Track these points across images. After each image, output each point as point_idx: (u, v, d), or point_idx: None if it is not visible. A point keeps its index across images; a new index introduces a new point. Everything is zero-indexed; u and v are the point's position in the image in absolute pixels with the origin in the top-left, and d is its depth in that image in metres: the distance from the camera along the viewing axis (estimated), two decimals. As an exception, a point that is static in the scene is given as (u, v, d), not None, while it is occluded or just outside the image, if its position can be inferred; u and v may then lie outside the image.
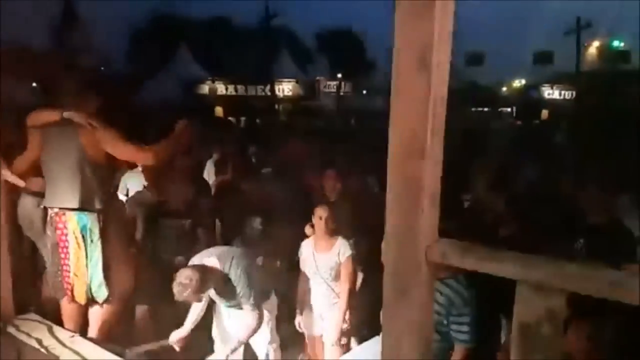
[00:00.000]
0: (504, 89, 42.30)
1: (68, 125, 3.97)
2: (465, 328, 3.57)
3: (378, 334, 3.96)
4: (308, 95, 35.64)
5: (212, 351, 4.77)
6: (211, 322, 4.81)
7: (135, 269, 4.76)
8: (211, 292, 4.40)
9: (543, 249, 3.20)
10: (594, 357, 2.47)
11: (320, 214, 4.63)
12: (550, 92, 37.64)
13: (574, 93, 35.03)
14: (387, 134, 1.88)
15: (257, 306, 4.46)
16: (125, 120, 4.28)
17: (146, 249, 5.36)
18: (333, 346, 4.64)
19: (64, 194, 4.02)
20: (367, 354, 3.80)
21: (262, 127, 21.53)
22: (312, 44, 47.98)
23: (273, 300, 4.82)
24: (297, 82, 35.50)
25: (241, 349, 4.66)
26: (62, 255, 4.05)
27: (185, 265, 4.47)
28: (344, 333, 4.63)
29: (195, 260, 4.48)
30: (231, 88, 33.63)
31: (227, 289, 4.41)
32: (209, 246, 4.91)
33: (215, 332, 4.79)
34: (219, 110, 30.53)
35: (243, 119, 26.78)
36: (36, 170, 4.30)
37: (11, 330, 4.06)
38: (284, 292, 5.01)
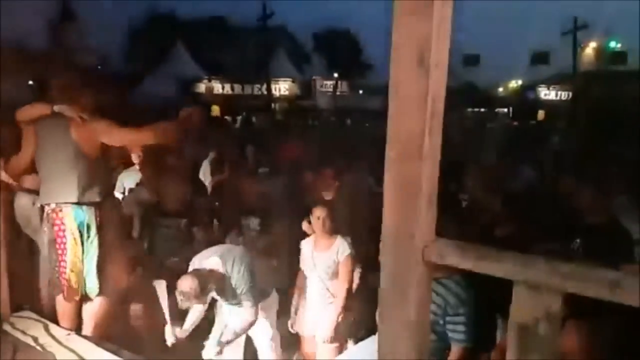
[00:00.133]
0: (501, 89, 42.33)
1: (60, 120, 3.96)
2: (461, 328, 3.57)
3: (374, 334, 3.97)
4: (304, 95, 35.66)
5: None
6: (212, 320, 4.81)
7: (131, 266, 4.78)
8: (213, 293, 4.41)
9: (539, 249, 3.20)
10: (591, 357, 2.47)
11: (318, 214, 4.63)
12: (547, 93, 37.73)
13: (571, 94, 35.11)
14: (384, 133, 1.88)
15: (256, 303, 4.49)
16: (120, 118, 4.24)
17: (142, 247, 5.36)
18: (326, 345, 4.63)
19: (60, 189, 4.01)
20: (364, 354, 3.80)
21: (259, 126, 21.53)
22: (309, 43, 47.95)
23: (274, 297, 4.85)
24: (293, 81, 35.53)
25: (242, 347, 4.67)
26: (60, 252, 4.04)
27: (182, 266, 4.48)
28: (338, 332, 4.62)
29: (196, 261, 4.48)
30: (227, 87, 33.65)
31: (228, 289, 4.43)
32: (206, 245, 4.91)
33: (216, 329, 4.79)
34: (215, 109, 30.53)
35: (239, 118, 26.77)
36: (33, 167, 4.30)
37: (7, 327, 4.06)
38: (285, 289, 5.01)
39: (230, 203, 6.29)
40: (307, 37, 46.44)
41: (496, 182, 6.14)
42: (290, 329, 4.92)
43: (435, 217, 1.95)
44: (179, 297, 4.13)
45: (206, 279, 4.23)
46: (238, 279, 4.37)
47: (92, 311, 4.23)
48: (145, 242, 5.38)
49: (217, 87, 33.27)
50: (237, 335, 4.58)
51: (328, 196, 5.52)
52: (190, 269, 4.38)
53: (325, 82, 37.76)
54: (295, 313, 4.89)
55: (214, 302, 4.70)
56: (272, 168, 7.14)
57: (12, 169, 4.38)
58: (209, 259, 4.41)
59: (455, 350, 3.61)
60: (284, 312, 4.95)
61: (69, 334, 4.05)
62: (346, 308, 4.60)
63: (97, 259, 4.07)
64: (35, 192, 4.32)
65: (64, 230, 4.02)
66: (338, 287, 4.62)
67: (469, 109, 34.84)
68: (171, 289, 4.38)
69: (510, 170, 7.83)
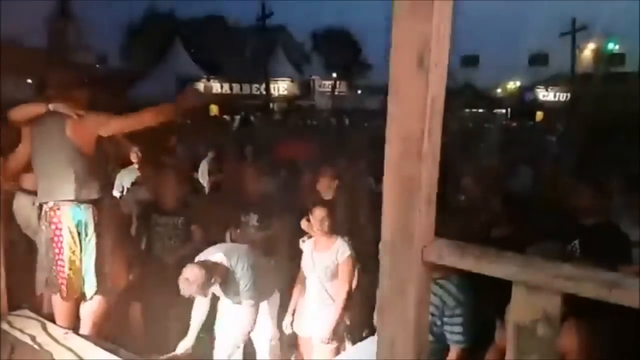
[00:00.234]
0: (499, 90, 42.39)
1: (55, 118, 3.95)
2: (458, 329, 3.57)
3: (372, 335, 3.97)
4: (303, 95, 35.69)
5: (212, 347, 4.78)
6: (213, 320, 4.81)
7: (130, 265, 4.78)
8: (216, 288, 4.42)
9: (538, 249, 3.21)
10: (589, 357, 2.47)
11: (317, 214, 4.62)
12: (545, 94, 37.78)
13: (569, 95, 35.14)
14: (383, 133, 1.88)
15: (257, 302, 4.51)
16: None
17: (141, 245, 5.36)
18: (325, 346, 4.63)
19: (57, 187, 4.00)
20: (362, 355, 3.80)
21: (257, 126, 21.54)
22: (308, 43, 48.00)
23: (276, 296, 4.86)
24: (292, 81, 35.55)
25: (241, 347, 4.67)
26: (57, 251, 4.03)
27: (181, 264, 4.48)
28: (337, 334, 4.62)
29: (202, 256, 4.50)
30: (226, 86, 33.65)
31: (232, 285, 4.44)
32: (203, 244, 4.92)
33: (217, 329, 4.79)
34: (214, 109, 30.51)
35: (238, 117, 26.76)
36: (29, 166, 4.30)
37: (5, 326, 4.05)
38: (286, 289, 5.02)
39: (228, 202, 6.28)
40: (306, 37, 46.55)
41: (494, 183, 6.15)
42: (285, 329, 4.91)
43: (435, 217, 1.95)
44: (182, 284, 4.13)
45: (211, 270, 4.25)
46: (242, 275, 4.39)
47: (90, 310, 4.22)
48: (144, 240, 5.37)
49: (216, 86, 33.26)
50: (245, 340, 4.62)
51: (328, 196, 5.51)
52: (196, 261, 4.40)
53: (324, 82, 37.80)
54: (293, 313, 4.89)
55: (215, 301, 4.71)
56: (271, 168, 7.13)
57: (8, 168, 4.38)
58: (214, 255, 4.44)
59: (452, 350, 3.61)
60: (284, 311, 4.95)
61: (66, 333, 4.04)
62: (345, 309, 4.60)
63: (95, 258, 4.07)
64: (35, 193, 4.32)
65: (61, 229, 4.01)
66: (338, 288, 4.61)
67: (468, 110, 34.88)
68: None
69: (508, 170, 7.85)
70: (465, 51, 41.62)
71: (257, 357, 4.89)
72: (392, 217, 1.92)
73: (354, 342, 4.64)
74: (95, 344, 3.92)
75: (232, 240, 5.56)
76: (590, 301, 1.60)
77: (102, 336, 4.21)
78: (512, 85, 42.39)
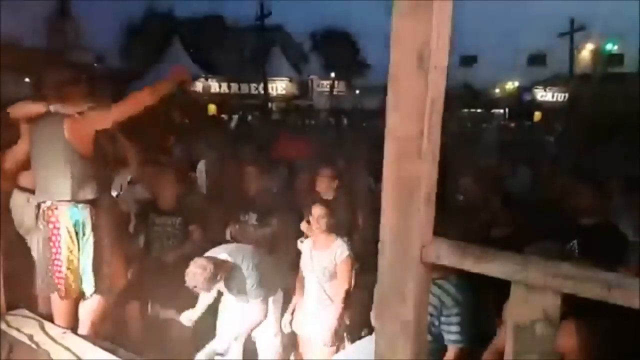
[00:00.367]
0: (497, 90, 42.41)
1: (52, 118, 3.95)
2: (455, 328, 3.57)
3: (371, 334, 3.96)
4: (301, 94, 35.69)
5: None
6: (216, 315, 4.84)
7: (128, 265, 4.78)
8: (221, 285, 4.44)
9: (536, 249, 3.21)
10: (588, 357, 2.47)
11: (315, 212, 4.63)
12: (544, 94, 37.81)
13: (567, 95, 35.15)
14: (382, 133, 1.88)
15: (265, 300, 4.57)
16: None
17: (139, 245, 5.36)
18: (324, 348, 4.63)
19: (55, 187, 4.00)
20: (360, 354, 3.80)
21: (255, 126, 21.53)
22: (306, 42, 47.99)
23: (279, 294, 4.88)
24: (290, 80, 35.54)
25: (241, 345, 4.69)
26: (54, 250, 4.03)
27: (179, 264, 4.50)
28: (336, 334, 4.62)
29: (208, 254, 4.54)
30: (224, 86, 33.64)
31: (237, 283, 4.49)
32: (202, 244, 4.94)
33: (219, 323, 4.81)
34: (212, 108, 30.51)
35: (236, 117, 26.74)
36: (25, 164, 4.30)
37: (2, 326, 4.05)
38: (289, 287, 5.03)
39: (228, 202, 6.28)
40: (304, 37, 46.52)
41: (492, 183, 6.14)
42: (284, 328, 4.91)
43: (433, 217, 1.95)
44: (189, 276, 4.20)
45: (218, 266, 4.30)
46: (248, 275, 4.45)
47: (88, 310, 4.22)
48: (142, 240, 5.37)
49: (214, 86, 33.27)
50: (246, 334, 4.65)
51: (327, 196, 5.51)
52: None
53: (322, 81, 37.82)
54: (292, 313, 4.89)
55: (219, 296, 4.74)
56: (270, 167, 7.13)
57: (5, 165, 4.38)
58: (219, 255, 4.47)
59: (450, 350, 3.61)
60: (286, 310, 4.98)
61: (64, 332, 4.04)
62: (344, 310, 4.60)
63: (92, 257, 4.06)
64: (30, 191, 4.31)
65: (58, 229, 4.00)
66: (336, 289, 4.61)
67: (466, 110, 34.91)
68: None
69: (506, 170, 7.85)
70: (463, 51, 41.63)
71: (258, 356, 4.90)
72: (391, 217, 1.92)
73: (352, 342, 4.64)
74: (94, 343, 3.92)
75: (232, 238, 5.58)
76: (589, 301, 1.60)
77: (101, 336, 4.21)
78: (511, 85, 42.38)
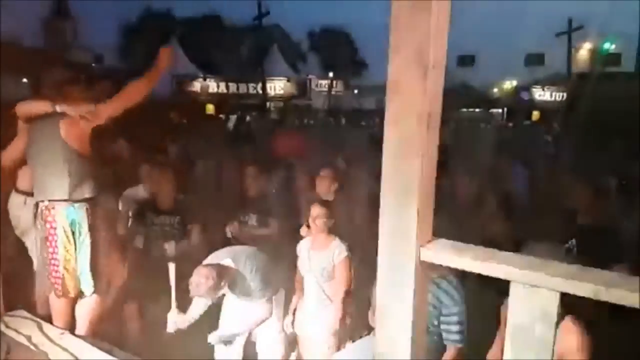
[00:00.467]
0: (495, 90, 42.38)
1: (49, 117, 3.95)
2: (455, 328, 3.57)
3: (369, 334, 3.97)
4: (299, 94, 35.67)
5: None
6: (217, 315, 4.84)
7: (126, 264, 4.77)
8: (224, 290, 4.44)
9: (535, 249, 3.21)
10: (587, 356, 2.47)
11: (314, 213, 4.62)
12: (542, 94, 37.78)
13: (565, 94, 35.11)
14: (380, 132, 1.88)
15: (270, 300, 4.59)
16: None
17: (137, 244, 5.36)
18: (324, 348, 4.62)
19: (51, 187, 3.99)
20: (359, 354, 3.80)
21: (254, 125, 21.50)
22: (304, 42, 48.00)
23: (281, 294, 4.88)
24: (288, 80, 35.52)
25: (241, 345, 4.70)
26: (51, 250, 4.02)
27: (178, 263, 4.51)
28: (336, 334, 4.61)
29: (210, 260, 4.52)
30: (222, 86, 33.62)
31: (241, 287, 4.48)
32: (201, 243, 4.94)
33: (222, 321, 4.81)
34: (210, 108, 30.49)
35: (234, 116, 26.74)
36: (22, 161, 4.31)
37: (1, 327, 4.04)
38: (290, 287, 5.04)
39: (226, 202, 6.28)
40: (302, 36, 46.55)
41: (490, 182, 6.15)
42: (286, 328, 4.91)
43: (432, 217, 1.95)
44: (192, 285, 4.17)
45: (221, 273, 4.28)
46: (251, 278, 4.44)
47: (86, 310, 4.21)
48: (140, 239, 5.37)
49: (212, 85, 33.25)
50: (250, 330, 4.68)
51: (326, 197, 5.50)
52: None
53: (320, 81, 37.76)
54: (293, 313, 4.89)
55: (220, 299, 4.73)
56: (269, 167, 7.13)
57: (4, 162, 4.38)
58: (222, 260, 4.47)
59: (449, 350, 3.61)
60: (287, 310, 4.98)
61: (62, 333, 4.03)
62: (344, 310, 4.60)
63: (89, 257, 4.06)
64: (28, 194, 4.32)
65: (55, 228, 4.00)
66: (336, 289, 4.60)
67: (464, 109, 34.90)
68: (181, 276, 4.44)
69: (504, 170, 7.85)
70: (461, 51, 41.63)
71: (259, 355, 4.90)
72: (389, 217, 1.92)
73: (352, 342, 4.64)
74: (92, 344, 3.92)
75: (232, 236, 5.60)
76: (588, 300, 1.60)
77: (98, 336, 4.20)
78: (509, 84, 42.34)
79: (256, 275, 4.44)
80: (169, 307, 4.58)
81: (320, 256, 4.62)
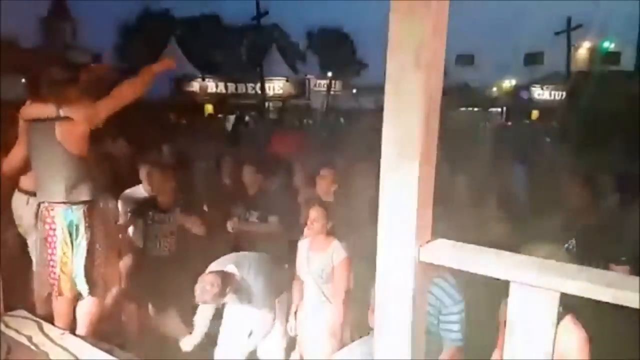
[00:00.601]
0: (494, 89, 42.37)
1: (47, 119, 3.94)
2: (455, 327, 3.58)
3: (368, 334, 3.96)
4: (298, 94, 35.68)
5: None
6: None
7: (123, 265, 4.78)
8: (228, 297, 4.46)
9: (535, 249, 3.21)
10: (587, 356, 2.48)
11: (311, 216, 4.61)
12: (541, 93, 37.78)
13: (564, 93, 35.09)
14: (379, 133, 1.88)
15: (273, 307, 4.66)
16: (114, 117, 4.22)
17: (136, 244, 5.37)
18: (324, 348, 4.62)
19: (50, 188, 4.00)
20: (358, 354, 3.80)
21: (252, 125, 21.51)
22: (303, 42, 48.03)
23: (284, 296, 4.94)
24: (287, 80, 35.52)
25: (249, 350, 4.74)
26: (50, 251, 4.03)
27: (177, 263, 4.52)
28: (335, 335, 4.61)
29: (214, 267, 4.56)
30: (221, 86, 33.62)
31: (245, 294, 4.52)
32: (199, 242, 4.97)
33: (222, 334, 4.82)
34: (208, 108, 30.50)
35: (232, 116, 26.75)
36: (25, 164, 4.31)
37: (1, 327, 4.05)
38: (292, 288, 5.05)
39: (228, 201, 6.28)
40: (301, 36, 46.57)
41: (490, 182, 6.15)
42: (290, 331, 4.91)
43: (432, 218, 1.95)
44: (198, 292, 4.22)
45: (226, 280, 4.33)
46: (254, 284, 4.49)
47: (86, 310, 4.22)
48: (139, 239, 5.37)
49: (211, 85, 33.25)
50: (258, 343, 4.74)
51: (326, 198, 5.50)
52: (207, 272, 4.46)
53: (319, 81, 37.75)
54: (295, 315, 4.88)
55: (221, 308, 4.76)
56: (268, 167, 7.13)
57: (7, 164, 4.39)
58: (226, 267, 4.49)
59: (448, 349, 3.62)
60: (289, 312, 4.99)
61: (63, 334, 4.04)
62: (344, 310, 4.59)
63: (85, 259, 4.06)
64: (30, 194, 4.32)
65: (54, 229, 4.01)
66: (335, 290, 4.59)
67: (463, 109, 34.87)
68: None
69: (503, 169, 7.85)
70: (460, 50, 41.62)
71: (259, 355, 4.91)
72: (389, 217, 1.92)
73: (352, 342, 4.64)
74: (92, 344, 3.92)
75: (232, 231, 5.73)
76: (588, 300, 1.60)
77: (99, 336, 4.21)
78: (508, 84, 42.33)
79: (259, 281, 4.50)
80: (169, 304, 4.62)
81: (319, 257, 4.60)
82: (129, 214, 5.49)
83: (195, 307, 4.67)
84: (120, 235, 5.32)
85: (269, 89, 33.80)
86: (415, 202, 1.83)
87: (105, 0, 39.10)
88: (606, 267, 3.68)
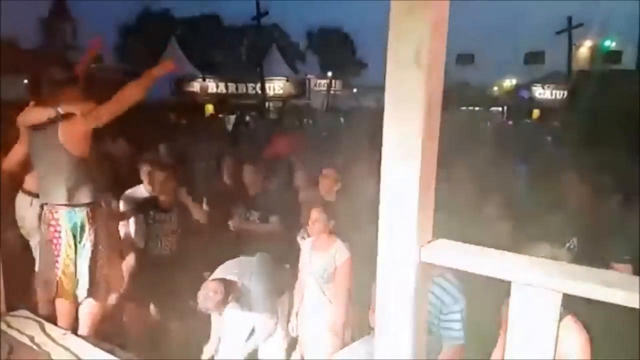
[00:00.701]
0: (495, 88, 42.33)
1: (49, 122, 3.94)
2: (456, 326, 3.58)
3: (369, 334, 3.96)
4: (298, 94, 35.65)
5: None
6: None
7: (126, 267, 4.78)
8: (231, 304, 4.47)
9: (535, 249, 3.21)
10: (587, 356, 2.48)
11: (313, 216, 4.62)
12: (542, 92, 37.74)
13: (566, 92, 35.04)
14: (380, 132, 1.88)
15: (275, 312, 4.69)
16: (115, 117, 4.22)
17: (138, 245, 5.37)
18: (324, 348, 4.62)
19: (54, 190, 4.00)
20: (360, 354, 3.80)
21: (253, 125, 21.50)
22: (303, 42, 48.05)
23: (285, 296, 4.96)
24: (287, 80, 35.50)
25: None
26: (55, 252, 4.03)
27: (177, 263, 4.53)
28: (337, 335, 4.61)
29: (217, 275, 4.60)
30: (222, 86, 33.60)
31: (247, 300, 4.54)
32: (202, 248, 4.99)
33: (224, 328, 4.83)
34: (209, 108, 30.48)
35: (233, 116, 26.73)
36: (26, 165, 4.31)
37: (3, 327, 4.05)
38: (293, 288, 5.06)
39: (227, 200, 6.28)
40: (301, 36, 46.58)
41: (490, 181, 6.15)
42: (292, 332, 4.91)
43: (432, 217, 1.95)
44: (201, 299, 4.25)
45: (229, 288, 4.36)
46: (256, 290, 4.52)
47: (88, 311, 4.22)
48: (141, 239, 5.38)
49: (211, 86, 33.22)
50: (258, 345, 4.77)
51: (328, 197, 5.50)
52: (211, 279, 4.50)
53: (319, 81, 37.73)
54: (296, 316, 4.89)
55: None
56: (268, 167, 7.13)
57: (7, 165, 4.39)
58: (228, 275, 4.52)
59: (449, 348, 3.61)
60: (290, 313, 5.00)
61: (64, 334, 4.04)
62: (344, 310, 4.59)
63: (89, 261, 4.06)
64: (34, 195, 4.33)
65: (59, 231, 4.01)
66: (336, 290, 4.59)
67: (464, 108, 34.84)
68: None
69: (504, 168, 7.84)
70: (461, 49, 41.61)
71: (259, 355, 4.92)
72: (389, 217, 1.92)
73: (352, 342, 4.64)
74: (94, 344, 3.92)
75: (234, 232, 5.74)
76: (588, 300, 1.60)
77: (101, 336, 4.21)
78: (509, 83, 42.30)
79: (260, 286, 4.54)
80: (168, 307, 4.62)
81: (321, 257, 4.60)
82: (130, 214, 5.50)
83: (195, 307, 4.68)
84: (121, 236, 5.32)
85: (269, 89, 33.75)
86: (416, 201, 1.83)
87: (105, 0, 39.13)
88: (608, 266, 3.67)
